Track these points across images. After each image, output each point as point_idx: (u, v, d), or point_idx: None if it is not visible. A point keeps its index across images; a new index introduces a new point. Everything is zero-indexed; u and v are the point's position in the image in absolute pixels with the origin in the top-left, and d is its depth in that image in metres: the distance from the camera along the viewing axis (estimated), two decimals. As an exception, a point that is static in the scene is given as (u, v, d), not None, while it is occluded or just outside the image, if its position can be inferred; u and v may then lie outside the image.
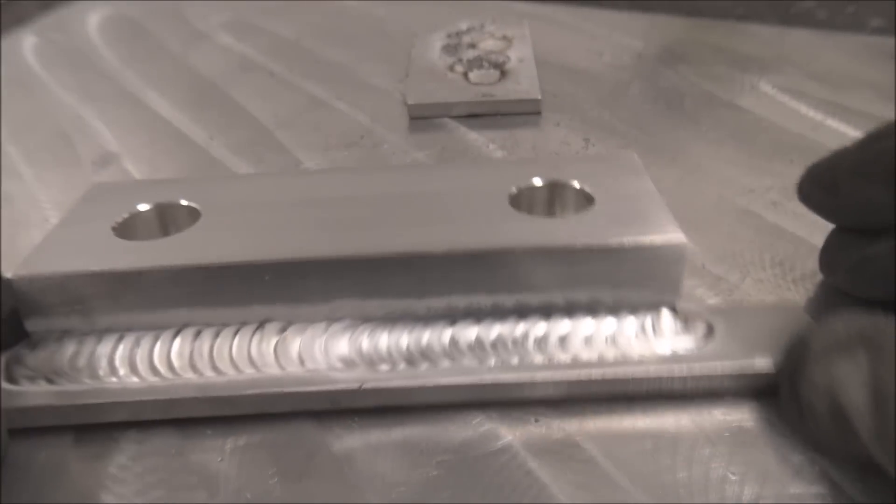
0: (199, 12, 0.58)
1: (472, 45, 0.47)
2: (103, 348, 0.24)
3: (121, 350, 0.24)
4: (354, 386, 0.23)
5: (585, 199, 0.26)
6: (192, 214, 0.26)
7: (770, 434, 0.21)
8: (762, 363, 0.22)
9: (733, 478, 0.20)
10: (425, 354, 0.23)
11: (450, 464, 0.21)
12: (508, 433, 0.22)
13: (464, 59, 0.45)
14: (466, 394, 0.23)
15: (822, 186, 0.24)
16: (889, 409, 0.18)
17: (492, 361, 0.23)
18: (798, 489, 0.20)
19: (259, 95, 0.44)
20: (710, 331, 0.24)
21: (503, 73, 0.43)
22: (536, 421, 0.22)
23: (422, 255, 0.23)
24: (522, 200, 0.27)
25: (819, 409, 0.19)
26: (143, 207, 0.27)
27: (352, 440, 0.22)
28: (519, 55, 0.45)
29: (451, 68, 0.44)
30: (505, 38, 0.48)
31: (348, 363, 0.23)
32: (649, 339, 0.23)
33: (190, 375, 0.23)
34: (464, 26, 0.50)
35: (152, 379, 0.23)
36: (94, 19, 0.58)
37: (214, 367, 0.23)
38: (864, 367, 0.19)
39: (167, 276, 0.23)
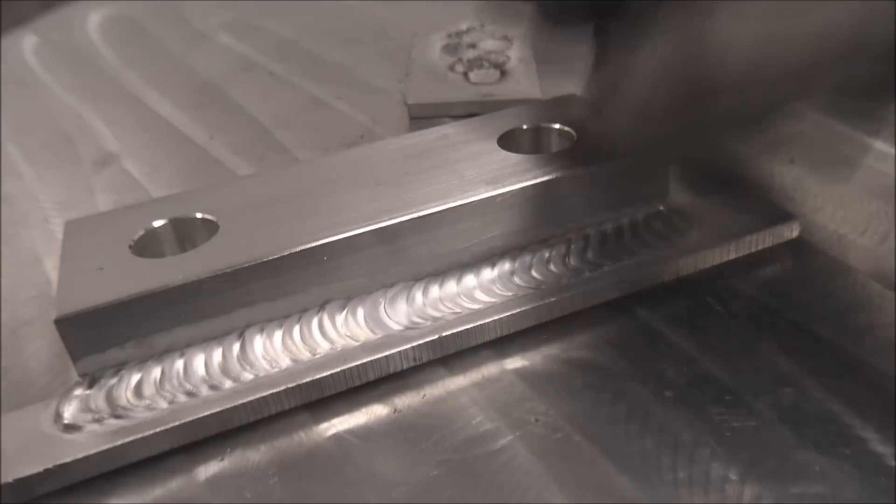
0: (199, 12, 0.58)
1: (473, 45, 0.47)
2: (170, 369, 0.23)
3: (189, 366, 0.23)
4: (433, 337, 0.24)
5: (567, 137, 0.29)
6: (207, 225, 0.26)
7: (770, 434, 0.21)
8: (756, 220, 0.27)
9: (733, 478, 0.20)
10: (482, 294, 0.25)
11: (450, 464, 0.21)
12: (508, 433, 0.22)
13: (464, 59, 0.45)
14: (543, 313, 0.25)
15: None
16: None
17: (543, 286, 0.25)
18: (798, 489, 0.20)
19: (259, 95, 0.44)
20: (699, 218, 0.28)
21: (503, 73, 0.43)
22: (536, 421, 0.22)
23: (463, 205, 0.25)
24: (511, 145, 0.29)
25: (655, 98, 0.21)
26: (158, 223, 0.26)
27: (353, 439, 0.22)
28: (519, 55, 0.45)
29: (452, 68, 0.44)
30: (505, 38, 0.48)
31: (415, 322, 0.24)
32: (670, 232, 0.27)
33: (270, 371, 0.23)
34: (464, 26, 0.50)
35: (232, 385, 0.23)
36: (94, 19, 0.58)
37: (293, 358, 0.23)
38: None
39: (223, 280, 0.23)
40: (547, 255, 0.26)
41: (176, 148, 0.40)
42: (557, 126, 0.29)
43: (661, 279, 0.26)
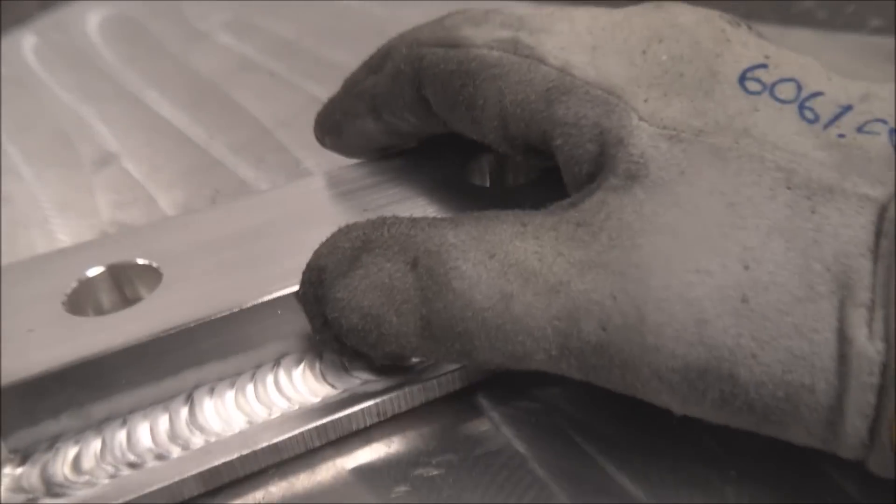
0: (199, 12, 0.58)
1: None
2: (111, 439, 0.21)
3: (132, 435, 0.21)
4: (397, 392, 0.22)
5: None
6: (149, 273, 0.24)
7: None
8: None
9: (733, 478, 0.20)
10: None
11: (450, 464, 0.21)
12: (508, 433, 0.22)
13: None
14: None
15: (328, 131, 0.28)
16: (396, 301, 0.19)
17: None
18: (798, 489, 0.20)
19: (259, 95, 0.44)
20: None
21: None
22: (536, 421, 0.22)
23: None
24: None
25: (349, 323, 0.20)
26: (94, 272, 0.23)
27: (353, 440, 0.22)
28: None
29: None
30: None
31: (378, 373, 0.23)
32: None
33: (223, 434, 0.21)
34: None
35: (181, 453, 0.21)
36: (94, 19, 0.58)
37: (249, 420, 0.22)
38: (371, 270, 0.20)
39: (169, 341, 0.21)
40: None
41: (176, 148, 0.40)
42: None
43: None
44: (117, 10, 0.60)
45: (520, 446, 0.22)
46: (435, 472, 0.21)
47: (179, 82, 0.47)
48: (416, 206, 0.25)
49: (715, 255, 0.17)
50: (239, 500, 0.21)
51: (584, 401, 0.23)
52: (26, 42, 0.55)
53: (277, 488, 0.21)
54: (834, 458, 0.17)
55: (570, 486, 0.20)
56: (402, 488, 0.21)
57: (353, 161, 0.29)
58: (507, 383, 0.23)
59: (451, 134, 0.26)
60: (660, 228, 0.18)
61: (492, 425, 0.22)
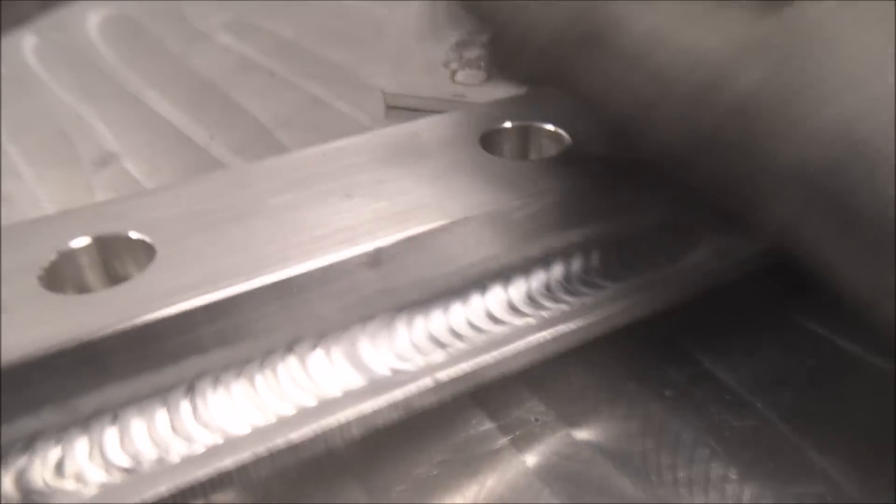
0: (199, 12, 0.57)
1: (483, 45, 0.46)
2: (100, 438, 0.18)
3: (125, 433, 0.18)
4: (426, 384, 0.20)
5: (557, 139, 0.25)
6: (140, 247, 0.21)
7: (770, 434, 0.21)
8: None
9: (733, 478, 0.20)
10: (479, 324, 0.22)
11: (450, 464, 0.21)
12: (508, 433, 0.22)
13: (463, 58, 0.44)
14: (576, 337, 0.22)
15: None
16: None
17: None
18: (798, 489, 0.20)
19: (259, 95, 0.44)
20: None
21: (489, 77, 0.42)
22: (536, 420, 0.22)
23: (457, 223, 0.21)
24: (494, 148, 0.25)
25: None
26: (77, 243, 0.20)
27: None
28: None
29: (446, 65, 0.43)
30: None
31: (403, 361, 0.21)
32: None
33: (230, 432, 0.19)
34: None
35: (182, 455, 0.18)
36: (94, 19, 0.58)
37: (261, 414, 0.19)
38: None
39: (167, 325, 0.18)
40: (545, 276, 0.23)
41: (176, 147, 0.40)
42: (548, 127, 0.25)
43: (669, 303, 0.23)
44: (117, 10, 0.60)
45: (520, 446, 0.22)
46: (435, 472, 0.21)
47: (179, 82, 0.47)
48: (437, 180, 0.23)
49: (876, 80, 0.17)
50: (236, 500, 0.21)
51: (583, 401, 0.23)
52: (26, 42, 0.55)
53: (274, 486, 0.21)
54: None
55: (571, 487, 0.20)
56: (402, 488, 0.21)
57: (360, 134, 0.26)
58: (508, 384, 0.23)
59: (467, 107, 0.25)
60: (831, 40, 0.17)
61: (492, 426, 0.22)
